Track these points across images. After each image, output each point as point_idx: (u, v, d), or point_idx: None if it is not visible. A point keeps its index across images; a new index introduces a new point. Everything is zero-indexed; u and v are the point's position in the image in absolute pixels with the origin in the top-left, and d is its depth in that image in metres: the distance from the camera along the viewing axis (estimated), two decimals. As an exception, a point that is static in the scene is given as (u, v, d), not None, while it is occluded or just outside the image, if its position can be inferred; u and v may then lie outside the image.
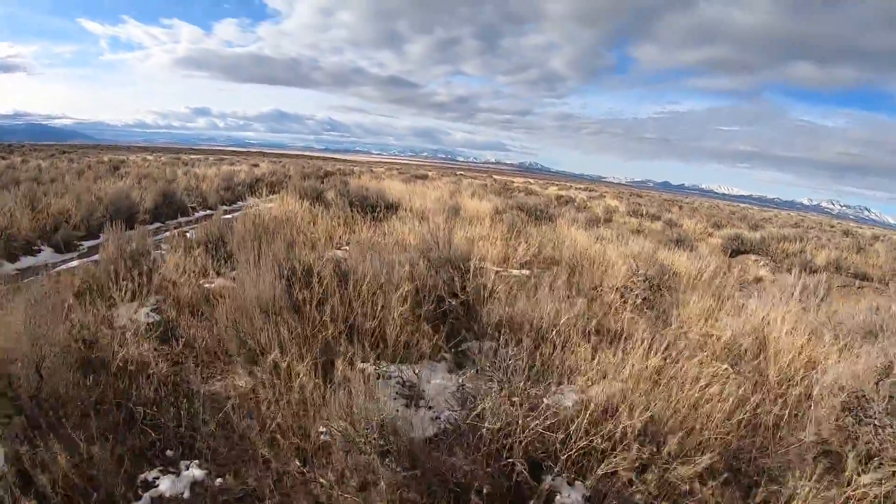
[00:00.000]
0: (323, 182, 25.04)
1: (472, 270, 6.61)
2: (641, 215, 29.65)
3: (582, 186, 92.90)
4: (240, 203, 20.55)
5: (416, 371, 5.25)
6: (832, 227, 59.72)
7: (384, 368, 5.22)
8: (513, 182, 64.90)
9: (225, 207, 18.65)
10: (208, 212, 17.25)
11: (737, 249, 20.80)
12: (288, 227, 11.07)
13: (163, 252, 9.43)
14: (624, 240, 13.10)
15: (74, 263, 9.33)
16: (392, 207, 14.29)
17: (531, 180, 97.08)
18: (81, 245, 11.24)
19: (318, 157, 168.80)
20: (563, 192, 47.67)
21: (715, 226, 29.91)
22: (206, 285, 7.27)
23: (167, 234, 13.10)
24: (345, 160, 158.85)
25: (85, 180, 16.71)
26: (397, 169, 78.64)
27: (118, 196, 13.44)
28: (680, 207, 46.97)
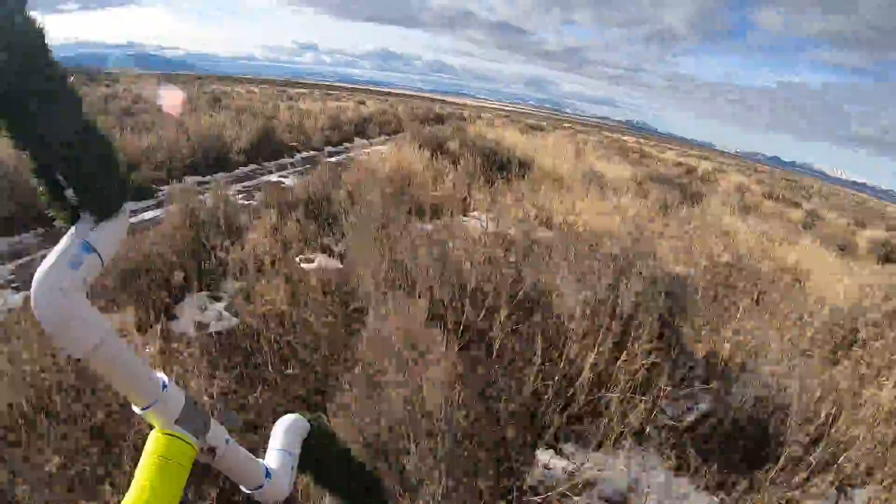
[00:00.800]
0: (438, 126, 23.10)
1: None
2: (778, 199, 26.48)
3: (696, 153, 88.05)
4: (346, 144, 18.66)
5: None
6: None
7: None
8: (625, 142, 61.69)
9: (330, 149, 16.84)
10: (312, 153, 15.43)
11: (887, 256, 18.32)
12: (410, 183, 9.11)
13: (254, 204, 7.56)
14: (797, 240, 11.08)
15: (149, 215, 7.66)
16: (524, 166, 12.11)
17: (641, 140, 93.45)
18: (162, 190, 9.36)
19: (424, 98, 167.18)
20: (681, 159, 44.35)
21: (858, 223, 26.59)
22: (305, 265, 5.29)
23: (264, 178, 11.30)
24: (452, 102, 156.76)
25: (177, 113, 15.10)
26: (506, 116, 75.85)
27: (209, 134, 11.64)
28: (809, 194, 42.82)
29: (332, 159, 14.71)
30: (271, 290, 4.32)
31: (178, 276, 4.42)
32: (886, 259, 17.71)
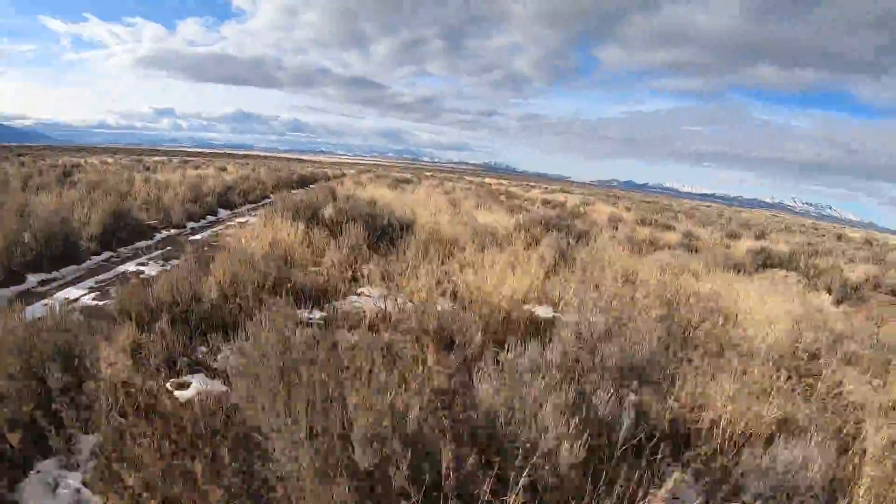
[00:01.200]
0: (304, 188, 22.20)
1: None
2: (651, 224, 27.17)
3: (557, 187, 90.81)
4: (210, 218, 17.43)
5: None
6: (816, 228, 59.19)
7: None
8: (489, 184, 62.70)
9: (193, 225, 15.60)
10: (174, 231, 14.17)
11: (763, 264, 19.02)
12: (289, 261, 8.32)
13: (109, 306, 6.44)
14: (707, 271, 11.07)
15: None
16: (406, 228, 11.51)
17: (503, 181, 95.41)
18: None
19: (283, 158, 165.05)
20: (548, 196, 45.23)
21: (731, 236, 27.63)
22: (179, 392, 4.32)
23: (121, 268, 9.99)
24: (311, 161, 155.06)
25: (15, 195, 13.09)
26: (368, 170, 75.46)
27: (53, 219, 10.07)
28: (675, 214, 44.51)
29: (198, 237, 13.56)
30: (140, 450, 3.33)
31: (15, 439, 3.39)
32: (765, 265, 18.61)
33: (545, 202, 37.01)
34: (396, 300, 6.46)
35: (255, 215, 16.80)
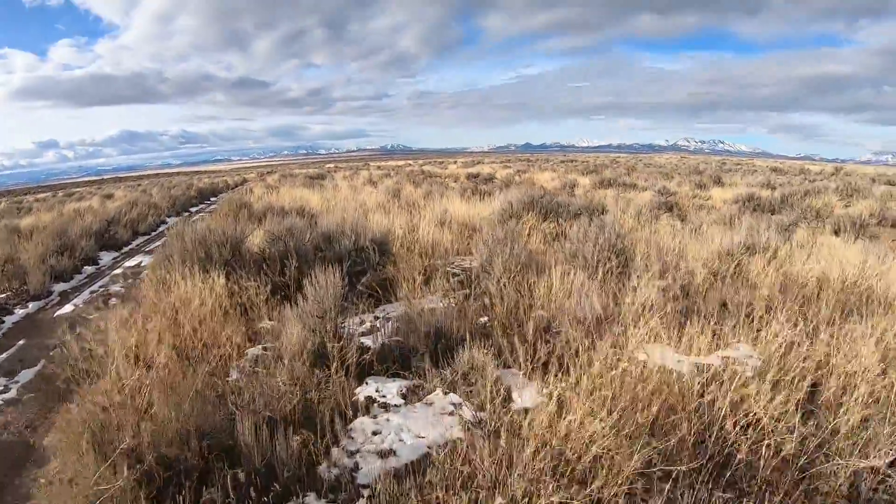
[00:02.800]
0: (206, 204, 17.99)
1: None
2: (613, 185, 23.80)
3: (464, 160, 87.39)
4: (90, 269, 12.89)
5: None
6: (740, 164, 58.50)
7: None
8: (402, 167, 58.66)
9: (63, 287, 11.17)
10: (32, 307, 9.71)
11: (754, 208, 17.26)
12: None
13: None
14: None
15: None
16: (382, 251, 7.69)
17: (410, 161, 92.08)
18: None
19: (179, 173, 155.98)
20: (470, 170, 41.55)
21: (699, 186, 24.68)
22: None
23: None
24: (208, 171, 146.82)
25: None
26: (269, 171, 70.10)
27: None
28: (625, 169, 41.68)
29: (67, 308, 9.36)
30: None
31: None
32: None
33: (470, 177, 33.36)
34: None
35: (149, 251, 12.62)
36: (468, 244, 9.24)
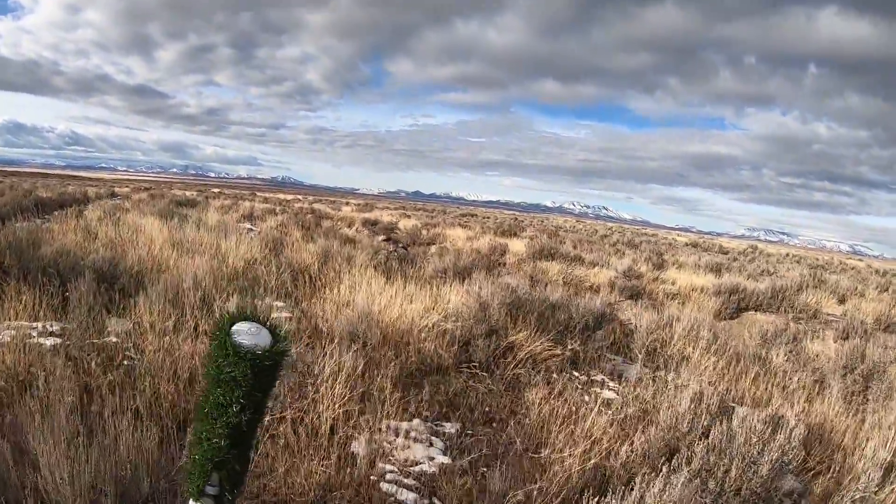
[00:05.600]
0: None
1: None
2: (553, 257, 18.90)
3: (357, 202, 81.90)
4: None
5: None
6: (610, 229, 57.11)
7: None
8: (290, 203, 52.41)
9: None
10: None
11: (739, 307, 14.61)
12: None
13: None
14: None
15: None
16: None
17: (299, 196, 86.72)
18: None
19: (57, 175, 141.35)
20: (366, 215, 36.08)
21: (657, 267, 20.43)
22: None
23: None
24: (88, 178, 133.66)
25: None
26: (146, 188, 62.10)
27: None
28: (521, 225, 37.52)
29: None
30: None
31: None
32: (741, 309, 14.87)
33: (368, 223, 28.12)
34: None
35: None
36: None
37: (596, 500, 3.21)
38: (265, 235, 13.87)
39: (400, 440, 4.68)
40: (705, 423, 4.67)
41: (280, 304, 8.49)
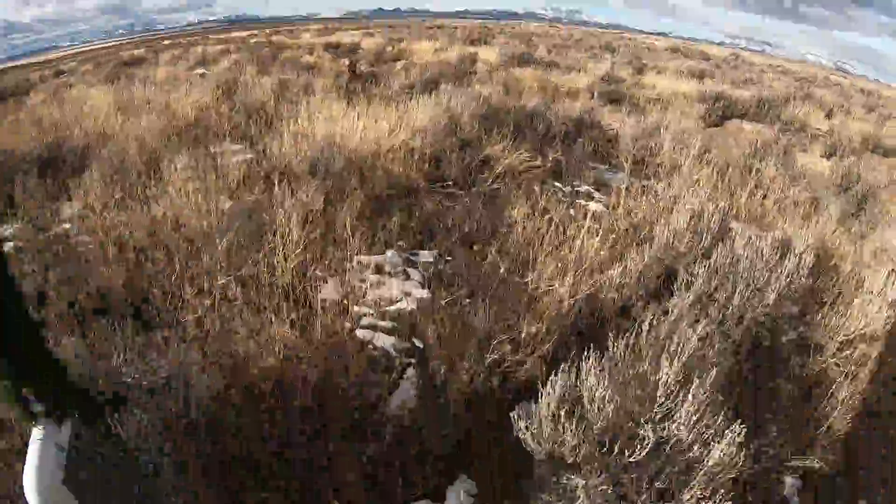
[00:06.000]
0: None
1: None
2: (530, 63, 17.91)
3: (318, 28, 77.95)
4: None
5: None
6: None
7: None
8: (251, 37, 49.79)
9: None
10: None
11: (724, 115, 14.31)
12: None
13: None
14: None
15: None
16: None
17: (255, 32, 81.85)
18: None
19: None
20: (328, 39, 34.09)
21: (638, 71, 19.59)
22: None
23: None
24: (34, 63, 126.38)
25: None
26: (93, 57, 58.99)
27: None
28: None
29: None
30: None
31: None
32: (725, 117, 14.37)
33: (330, 47, 26.72)
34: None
35: None
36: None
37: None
38: (217, 78, 12.90)
39: (373, 276, 4.26)
40: (706, 244, 4.21)
41: (236, 146, 7.97)
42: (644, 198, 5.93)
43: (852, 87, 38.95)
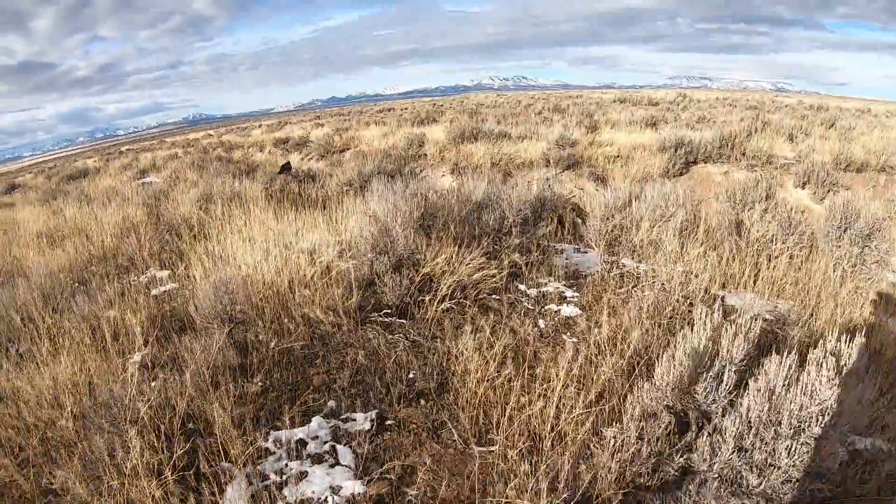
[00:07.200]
0: None
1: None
2: (474, 138, 17.13)
3: (271, 122, 78.34)
4: None
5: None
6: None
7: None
8: (206, 137, 49.44)
9: None
10: None
11: (687, 161, 13.79)
12: None
13: None
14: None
15: None
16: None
17: (211, 132, 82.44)
18: None
19: None
20: (277, 134, 33.72)
21: (590, 129, 18.82)
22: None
23: None
24: None
25: None
26: (49, 169, 58.13)
27: None
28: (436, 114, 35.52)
29: None
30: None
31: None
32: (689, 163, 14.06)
33: (279, 143, 26.18)
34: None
35: None
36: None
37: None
38: (147, 193, 12.00)
39: (293, 464, 3.23)
40: (728, 384, 3.18)
41: (163, 274, 7.07)
42: (625, 287, 5.02)
43: (801, 105, 39.07)
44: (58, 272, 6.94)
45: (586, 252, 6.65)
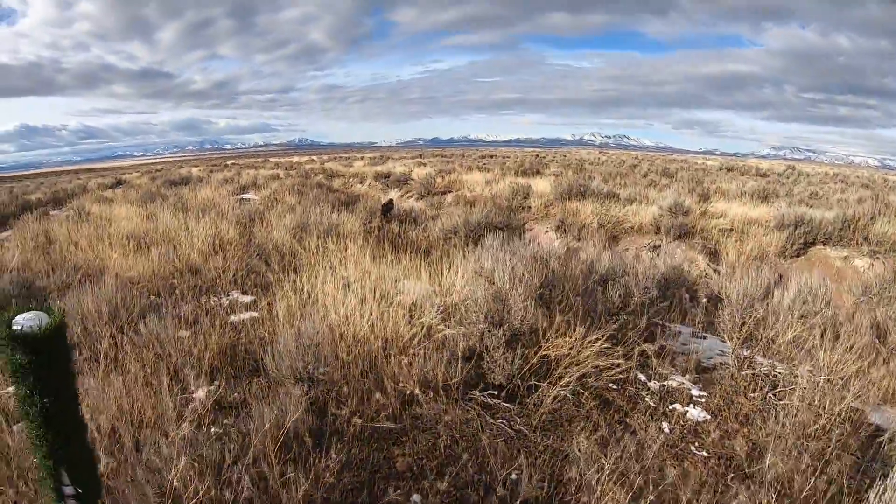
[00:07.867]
0: None
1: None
2: (583, 195, 16.45)
3: (373, 155, 79.53)
4: None
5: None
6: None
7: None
8: (300, 164, 50.40)
9: None
10: None
11: (805, 242, 12.48)
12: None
13: None
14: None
15: None
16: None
17: (314, 158, 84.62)
18: None
19: (73, 171, 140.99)
20: (379, 168, 33.70)
21: (703, 198, 17.82)
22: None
23: None
24: (104, 168, 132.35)
25: None
26: (158, 169, 60.27)
27: None
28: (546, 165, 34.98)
29: None
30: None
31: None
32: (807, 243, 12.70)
33: (380, 176, 26.09)
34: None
35: None
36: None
37: None
38: (242, 211, 11.74)
39: None
40: None
41: (246, 299, 6.66)
42: (758, 392, 4.23)
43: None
44: (134, 283, 6.63)
45: (705, 337, 5.84)
